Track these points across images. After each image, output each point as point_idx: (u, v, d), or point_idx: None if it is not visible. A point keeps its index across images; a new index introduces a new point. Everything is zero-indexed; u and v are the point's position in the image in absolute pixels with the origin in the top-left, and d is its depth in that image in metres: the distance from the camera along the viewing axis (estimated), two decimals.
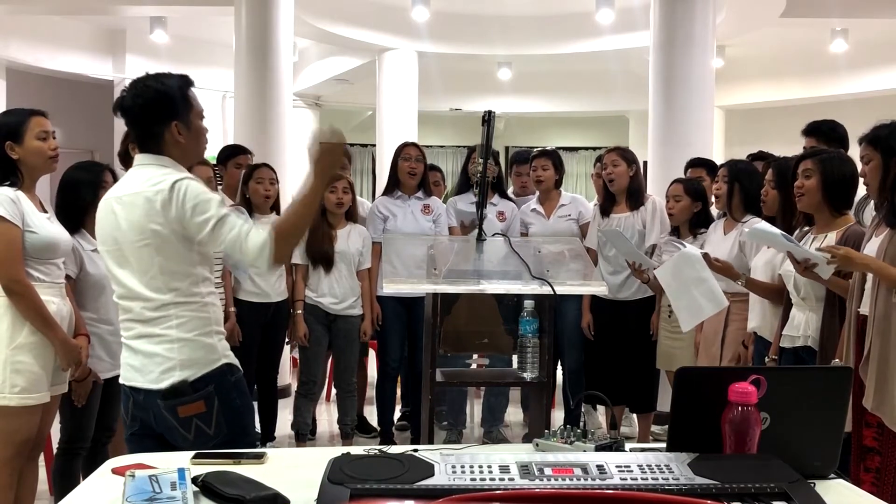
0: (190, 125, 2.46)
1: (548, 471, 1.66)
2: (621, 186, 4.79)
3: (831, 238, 3.28)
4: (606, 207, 4.87)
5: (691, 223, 4.51)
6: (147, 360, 2.40)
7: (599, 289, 3.81)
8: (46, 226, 3.05)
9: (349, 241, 4.82)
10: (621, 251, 4.47)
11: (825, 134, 4.00)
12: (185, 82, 2.47)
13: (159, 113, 2.42)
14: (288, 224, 2.34)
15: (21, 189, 3.00)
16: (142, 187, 2.39)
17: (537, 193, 5.24)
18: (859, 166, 3.18)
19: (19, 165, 3.01)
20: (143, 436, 2.45)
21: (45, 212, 3.13)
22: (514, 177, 5.64)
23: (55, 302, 3.07)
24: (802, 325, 3.37)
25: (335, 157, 2.36)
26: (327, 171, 2.34)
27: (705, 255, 3.76)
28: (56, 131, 3.12)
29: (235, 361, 2.50)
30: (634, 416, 5.27)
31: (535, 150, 5.30)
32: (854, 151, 3.38)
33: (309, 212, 2.38)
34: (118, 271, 2.44)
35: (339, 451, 1.79)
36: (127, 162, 3.77)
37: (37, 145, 3.02)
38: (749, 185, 4.05)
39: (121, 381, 2.49)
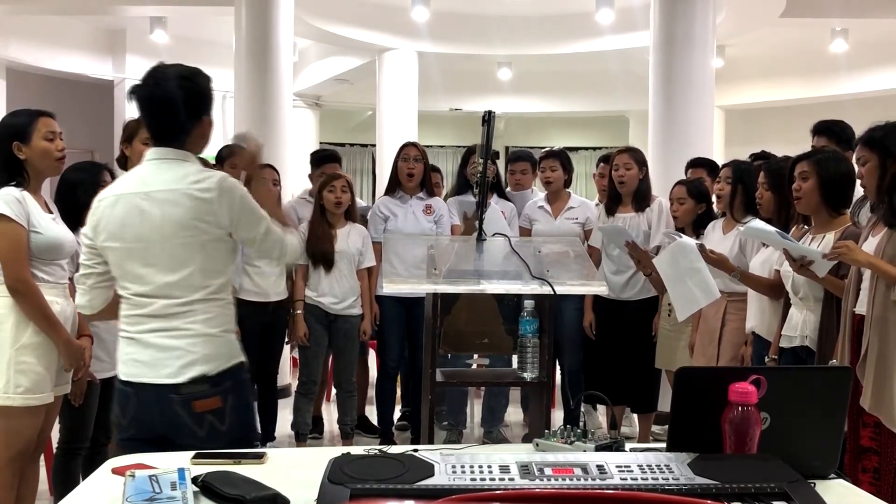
0: (212, 121, 2.50)
1: (548, 471, 1.66)
2: (631, 188, 4.79)
3: (829, 238, 3.28)
4: (611, 207, 4.87)
5: (695, 224, 4.50)
6: (162, 354, 2.34)
7: (599, 289, 3.80)
8: (52, 226, 3.04)
9: (349, 240, 4.82)
10: (621, 246, 4.46)
11: (836, 134, 3.99)
12: (209, 78, 2.51)
13: (197, 106, 2.43)
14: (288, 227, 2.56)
15: (27, 189, 3.00)
16: (179, 184, 2.35)
17: (544, 193, 5.24)
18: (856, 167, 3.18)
19: (26, 166, 3.00)
20: (137, 441, 2.34)
21: (51, 212, 3.12)
22: (509, 175, 5.67)
23: (59, 302, 3.06)
24: (800, 325, 3.37)
25: (252, 161, 2.65)
26: (252, 168, 2.65)
27: (701, 247, 3.76)
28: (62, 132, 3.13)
29: (246, 360, 2.51)
30: (635, 416, 5.26)
31: (541, 150, 5.32)
32: None
33: (277, 211, 2.60)
34: (141, 270, 2.37)
35: (339, 451, 1.79)
36: (125, 166, 3.77)
37: (44, 146, 3.02)
38: (752, 186, 4.04)
39: (122, 377, 2.40)
